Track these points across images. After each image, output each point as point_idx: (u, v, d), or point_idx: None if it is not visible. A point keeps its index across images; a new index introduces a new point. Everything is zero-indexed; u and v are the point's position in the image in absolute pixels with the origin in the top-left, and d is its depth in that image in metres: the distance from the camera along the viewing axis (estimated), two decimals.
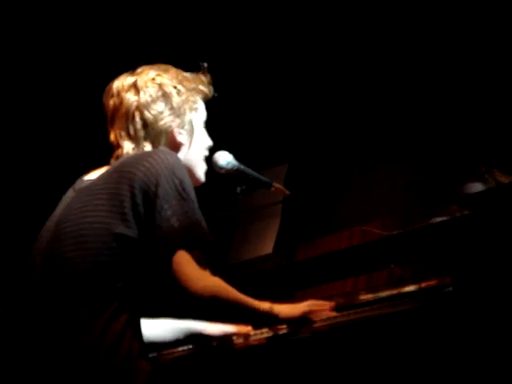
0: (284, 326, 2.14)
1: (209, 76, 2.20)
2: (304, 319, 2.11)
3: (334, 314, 2.14)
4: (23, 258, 2.06)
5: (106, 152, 2.15)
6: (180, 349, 2.34)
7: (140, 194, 1.89)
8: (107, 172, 2.00)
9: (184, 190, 1.93)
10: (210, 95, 2.20)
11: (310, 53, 3.44)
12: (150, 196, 1.89)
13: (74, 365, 1.82)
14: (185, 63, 2.23)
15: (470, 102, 2.76)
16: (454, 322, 1.96)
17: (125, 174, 1.94)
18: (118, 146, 2.08)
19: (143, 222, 1.89)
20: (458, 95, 2.82)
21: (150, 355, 2.24)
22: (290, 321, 2.11)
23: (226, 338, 2.27)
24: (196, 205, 1.96)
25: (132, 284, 1.91)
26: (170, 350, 2.36)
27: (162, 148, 2.10)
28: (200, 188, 2.15)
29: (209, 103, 2.24)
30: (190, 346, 2.34)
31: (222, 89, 2.26)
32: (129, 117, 2.08)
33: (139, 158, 1.98)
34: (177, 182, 1.93)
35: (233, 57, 3.31)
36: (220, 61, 2.42)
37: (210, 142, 2.23)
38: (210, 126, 2.27)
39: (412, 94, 3.13)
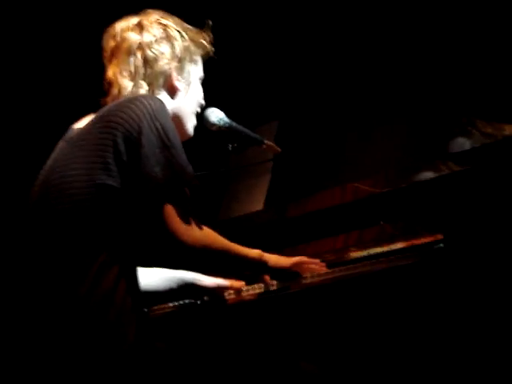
0: (275, 282, 2.17)
1: (211, 35, 2.22)
2: (293, 272, 2.16)
3: (324, 270, 2.17)
4: (20, 207, 2.07)
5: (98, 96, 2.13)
6: (171, 304, 2.37)
7: (123, 142, 1.89)
8: (92, 121, 2.00)
9: (167, 136, 1.93)
10: (210, 54, 2.23)
11: (302, 9, 3.42)
12: (133, 144, 1.89)
13: (67, 319, 1.83)
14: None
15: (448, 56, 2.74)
16: (445, 279, 1.98)
17: (107, 122, 1.94)
18: (115, 83, 2.09)
19: (127, 171, 1.89)
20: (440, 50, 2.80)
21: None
22: (279, 270, 2.15)
23: (218, 293, 2.30)
24: (179, 150, 1.96)
25: (120, 235, 1.91)
26: (161, 306, 2.39)
27: (150, 94, 2.10)
28: (191, 145, 2.14)
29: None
30: (181, 302, 2.37)
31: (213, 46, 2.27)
32: (131, 53, 2.08)
33: (122, 104, 1.98)
34: (160, 127, 1.93)
35: (220, 13, 3.12)
36: (207, 17, 2.45)
37: (202, 101, 2.25)
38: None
39: (401, 50, 3.08)
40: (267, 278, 2.24)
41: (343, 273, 2.09)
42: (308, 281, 2.15)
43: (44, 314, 1.85)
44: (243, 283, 2.30)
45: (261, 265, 2.14)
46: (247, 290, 2.26)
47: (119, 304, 1.84)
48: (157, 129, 1.91)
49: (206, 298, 2.31)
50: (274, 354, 2.06)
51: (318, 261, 2.21)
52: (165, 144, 1.91)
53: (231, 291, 2.32)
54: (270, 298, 2.20)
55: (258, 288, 2.24)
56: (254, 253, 2.12)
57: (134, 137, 1.87)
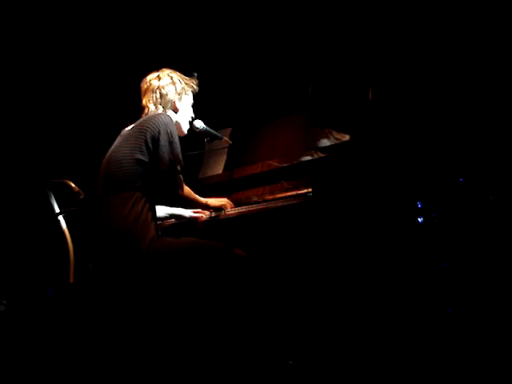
0: (213, 212, 2.93)
1: (197, 80, 2.94)
2: (221, 207, 2.95)
3: (233, 206, 2.88)
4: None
5: (136, 113, 2.81)
6: (170, 220, 3.11)
7: (150, 137, 2.58)
8: (135, 126, 2.68)
9: (172, 137, 2.61)
10: (196, 90, 2.96)
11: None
12: (155, 139, 2.58)
13: (117, 227, 2.51)
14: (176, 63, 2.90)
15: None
16: (312, 214, 2.64)
17: (142, 127, 2.63)
18: (146, 107, 2.78)
19: (152, 152, 2.57)
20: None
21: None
22: (215, 207, 2.93)
23: (191, 218, 3.01)
24: (177, 145, 2.59)
25: (148, 184, 2.57)
26: (166, 221, 3.12)
27: (164, 113, 2.71)
28: (187, 139, 2.89)
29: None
30: (174, 220, 3.10)
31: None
32: (154, 92, 2.78)
33: (150, 118, 2.66)
34: (169, 132, 2.60)
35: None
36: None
37: (192, 114, 2.97)
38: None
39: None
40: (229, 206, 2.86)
41: (247, 209, 2.83)
42: (228, 213, 2.91)
43: (109, 219, 2.54)
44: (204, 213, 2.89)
45: (207, 205, 2.91)
46: (205, 215, 2.96)
47: (144, 217, 2.53)
48: (167, 132, 2.60)
49: (188, 219, 2.98)
50: (216, 243, 2.65)
51: (230, 202, 2.93)
52: (170, 141, 2.60)
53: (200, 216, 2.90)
54: (211, 220, 2.94)
55: (207, 214, 2.97)
56: (204, 200, 2.86)
57: (156, 135, 2.58)
